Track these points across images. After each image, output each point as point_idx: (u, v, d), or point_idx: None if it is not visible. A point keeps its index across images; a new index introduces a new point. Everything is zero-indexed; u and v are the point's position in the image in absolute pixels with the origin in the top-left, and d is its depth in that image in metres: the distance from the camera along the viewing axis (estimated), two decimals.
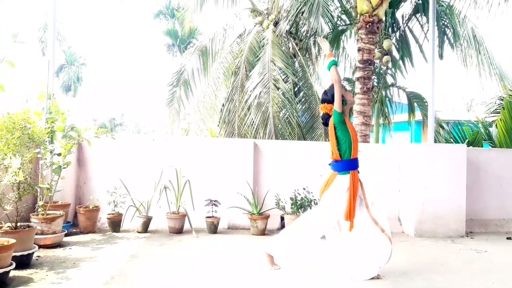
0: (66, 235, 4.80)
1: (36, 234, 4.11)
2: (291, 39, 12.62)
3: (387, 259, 3.74)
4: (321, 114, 3.96)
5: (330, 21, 10.82)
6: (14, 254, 3.49)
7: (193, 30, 30.48)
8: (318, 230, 3.87)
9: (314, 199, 5.58)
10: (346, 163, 3.75)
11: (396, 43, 11.67)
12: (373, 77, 9.50)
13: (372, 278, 3.75)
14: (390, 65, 11.67)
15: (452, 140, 9.26)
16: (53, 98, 5.20)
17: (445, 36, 11.08)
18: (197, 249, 4.73)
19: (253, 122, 10.33)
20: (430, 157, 5.89)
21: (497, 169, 6.47)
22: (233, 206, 5.75)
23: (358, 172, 3.80)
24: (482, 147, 8.56)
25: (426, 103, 11.70)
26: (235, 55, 12.19)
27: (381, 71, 12.20)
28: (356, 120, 8.81)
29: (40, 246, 4.29)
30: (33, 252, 3.85)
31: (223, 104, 11.90)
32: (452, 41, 11.06)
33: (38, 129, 4.45)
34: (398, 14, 11.56)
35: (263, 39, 11.63)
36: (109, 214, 5.43)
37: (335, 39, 11.77)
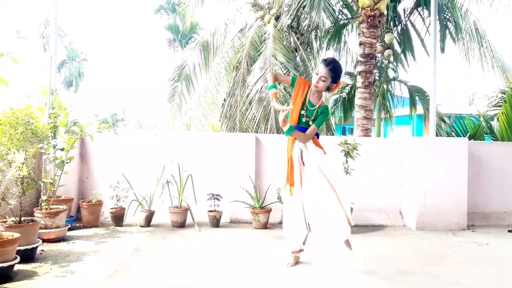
0: (69, 229, 4.83)
1: (40, 228, 4.15)
2: (293, 33, 12.59)
3: (347, 235, 3.76)
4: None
5: (332, 15, 10.79)
6: (18, 248, 3.52)
7: (194, 25, 30.42)
8: (290, 207, 3.88)
9: None
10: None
11: (397, 37, 11.64)
12: (374, 71, 9.50)
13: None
14: (391, 59, 11.64)
15: (453, 133, 9.26)
16: (55, 94, 5.22)
17: (447, 30, 11.05)
18: (199, 242, 4.76)
19: (255, 116, 10.34)
20: (431, 150, 5.90)
21: (499, 163, 6.48)
22: (235, 200, 5.78)
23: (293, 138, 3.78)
24: (484, 140, 8.55)
25: (427, 97, 11.69)
26: (236, 49, 12.18)
27: (383, 65, 12.18)
28: (357, 114, 8.82)
29: (44, 240, 4.32)
30: (37, 246, 3.89)
31: (224, 99, 11.91)
32: (454, 35, 11.02)
33: (41, 124, 4.46)
34: (400, 8, 11.52)
35: (264, 33, 11.61)
36: (112, 208, 5.47)
37: (336, 33, 11.75)
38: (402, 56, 11.90)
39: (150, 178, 5.70)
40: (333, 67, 3.66)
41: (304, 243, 3.90)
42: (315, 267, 3.90)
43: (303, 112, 3.74)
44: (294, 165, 3.78)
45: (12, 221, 3.84)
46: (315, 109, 3.74)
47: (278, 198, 5.73)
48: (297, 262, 3.94)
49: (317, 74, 3.70)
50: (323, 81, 3.65)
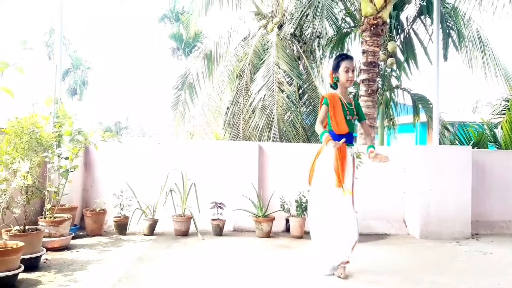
0: (73, 238, 4.85)
1: (44, 237, 4.17)
2: (296, 42, 12.65)
3: (354, 242, 3.79)
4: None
5: (335, 23, 10.82)
6: (22, 257, 3.53)
7: (198, 33, 30.55)
8: (336, 210, 3.83)
9: None
10: (331, 133, 3.87)
11: (400, 45, 11.66)
12: (377, 79, 9.50)
13: (341, 263, 3.81)
14: (394, 67, 11.66)
15: (457, 141, 9.23)
16: (60, 103, 5.26)
17: (450, 38, 11.06)
18: (203, 251, 4.76)
19: (258, 124, 10.36)
20: (435, 159, 5.89)
21: (503, 171, 6.46)
22: (238, 208, 5.78)
23: (347, 145, 3.93)
24: (488, 148, 8.53)
25: (431, 105, 11.68)
26: (239, 58, 12.24)
27: (386, 73, 12.19)
28: None
29: (48, 249, 4.34)
30: (41, 255, 3.90)
31: (227, 107, 11.95)
32: (457, 43, 11.04)
33: (46, 133, 4.50)
34: (403, 16, 11.56)
35: (267, 42, 11.68)
36: (115, 217, 5.48)
37: (339, 41, 11.78)
38: (405, 64, 11.91)
39: (154, 187, 5.72)
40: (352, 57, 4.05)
41: (352, 250, 3.81)
42: (322, 276, 3.89)
43: (348, 117, 3.94)
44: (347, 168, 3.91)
45: (17, 230, 3.86)
46: (352, 106, 4.01)
47: (281, 207, 5.72)
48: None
49: (346, 70, 3.90)
50: (353, 71, 3.96)
